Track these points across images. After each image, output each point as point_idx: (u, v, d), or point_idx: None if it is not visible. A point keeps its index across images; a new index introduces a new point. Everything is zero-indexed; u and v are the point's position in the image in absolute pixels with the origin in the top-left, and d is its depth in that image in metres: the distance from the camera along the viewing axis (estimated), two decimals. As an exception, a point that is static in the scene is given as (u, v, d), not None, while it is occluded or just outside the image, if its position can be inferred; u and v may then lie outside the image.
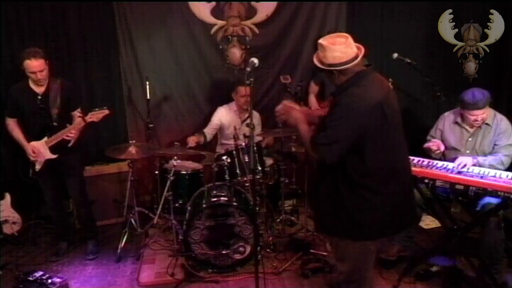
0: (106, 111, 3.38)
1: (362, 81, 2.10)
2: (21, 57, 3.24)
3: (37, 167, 3.37)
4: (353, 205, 2.12)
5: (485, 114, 3.05)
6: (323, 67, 2.14)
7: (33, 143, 3.33)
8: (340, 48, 2.08)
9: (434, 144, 3.20)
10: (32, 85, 3.36)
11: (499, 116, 3.13)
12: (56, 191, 3.62)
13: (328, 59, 2.10)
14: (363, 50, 2.14)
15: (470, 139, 3.17)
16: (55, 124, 3.35)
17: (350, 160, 2.08)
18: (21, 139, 3.37)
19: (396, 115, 2.16)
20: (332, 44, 2.08)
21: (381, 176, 2.10)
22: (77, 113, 3.42)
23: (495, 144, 3.09)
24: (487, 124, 3.11)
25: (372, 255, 2.27)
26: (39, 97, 3.34)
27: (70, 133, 3.31)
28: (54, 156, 3.35)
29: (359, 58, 2.10)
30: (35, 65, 3.22)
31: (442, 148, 3.18)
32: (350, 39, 2.11)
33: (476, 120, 3.08)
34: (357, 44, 2.15)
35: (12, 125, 3.42)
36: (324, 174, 2.22)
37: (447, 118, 3.31)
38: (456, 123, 3.23)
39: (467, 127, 3.18)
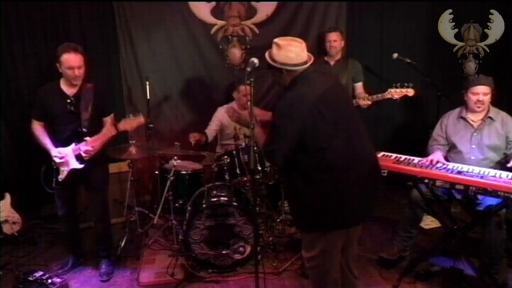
0: (141, 119, 3.09)
1: (298, 84, 2.21)
2: (58, 52, 2.94)
3: (61, 176, 3.05)
4: (307, 195, 2.21)
5: (487, 96, 3.07)
6: (275, 64, 2.23)
7: (61, 149, 3.03)
8: (295, 50, 2.21)
9: (433, 159, 3.03)
10: (63, 86, 3.06)
11: (503, 113, 3.14)
12: (70, 207, 3.31)
13: (281, 58, 2.21)
14: (312, 58, 2.27)
15: (475, 134, 3.15)
16: (84, 130, 3.03)
17: (300, 157, 2.18)
18: (47, 143, 3.04)
19: (341, 108, 2.24)
20: (288, 45, 2.21)
21: (329, 168, 2.16)
22: (110, 119, 3.16)
23: (508, 140, 3.07)
24: (490, 118, 3.11)
25: (336, 249, 2.34)
26: (70, 99, 3.03)
27: (95, 142, 3.02)
28: (80, 166, 3.03)
29: (308, 64, 2.23)
30: (75, 59, 2.94)
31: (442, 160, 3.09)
32: (304, 45, 2.25)
33: (478, 101, 3.07)
34: (308, 53, 2.27)
35: (38, 129, 3.09)
36: (284, 174, 2.36)
37: (451, 115, 3.30)
38: (461, 117, 3.21)
39: (471, 121, 3.16)
